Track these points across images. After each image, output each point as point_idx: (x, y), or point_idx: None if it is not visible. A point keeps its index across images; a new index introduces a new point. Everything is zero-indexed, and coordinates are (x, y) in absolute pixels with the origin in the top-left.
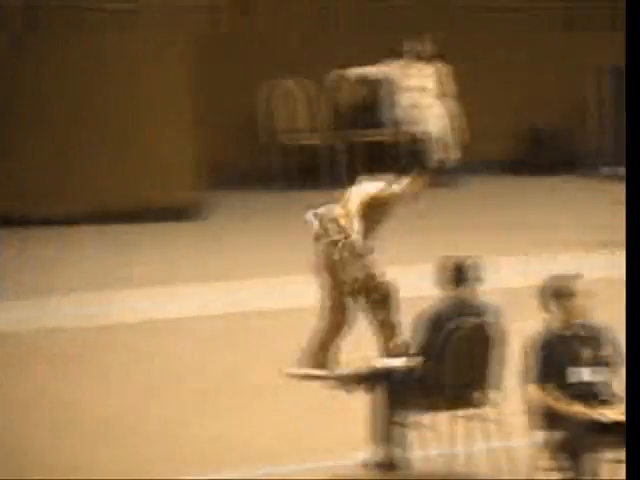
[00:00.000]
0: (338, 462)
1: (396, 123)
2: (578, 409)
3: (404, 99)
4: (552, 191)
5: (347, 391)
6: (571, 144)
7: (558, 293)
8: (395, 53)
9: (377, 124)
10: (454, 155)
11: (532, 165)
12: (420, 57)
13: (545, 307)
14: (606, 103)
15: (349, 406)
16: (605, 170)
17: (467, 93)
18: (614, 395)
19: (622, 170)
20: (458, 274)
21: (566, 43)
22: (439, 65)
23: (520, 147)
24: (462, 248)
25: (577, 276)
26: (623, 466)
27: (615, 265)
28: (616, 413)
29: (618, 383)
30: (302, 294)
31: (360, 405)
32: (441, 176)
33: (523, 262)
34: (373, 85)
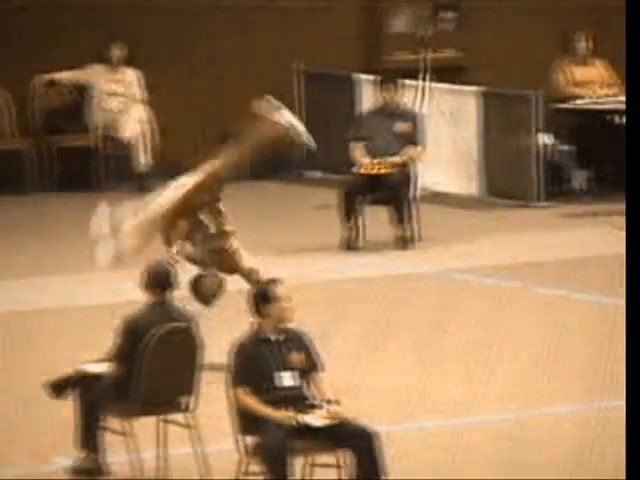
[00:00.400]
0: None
1: (101, 128)
2: (281, 414)
3: (108, 104)
4: (253, 194)
5: (52, 397)
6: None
7: (263, 297)
8: (101, 58)
9: (83, 129)
10: (152, 159)
11: None
12: (122, 62)
13: (252, 311)
14: (302, 106)
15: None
16: (312, 174)
17: (165, 98)
18: (320, 400)
19: (318, 174)
20: (159, 279)
21: (271, 43)
22: (137, 71)
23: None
24: (162, 254)
25: (279, 281)
26: (331, 470)
27: (310, 269)
28: (320, 417)
29: (314, 389)
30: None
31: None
32: (141, 181)
33: None
34: (79, 90)
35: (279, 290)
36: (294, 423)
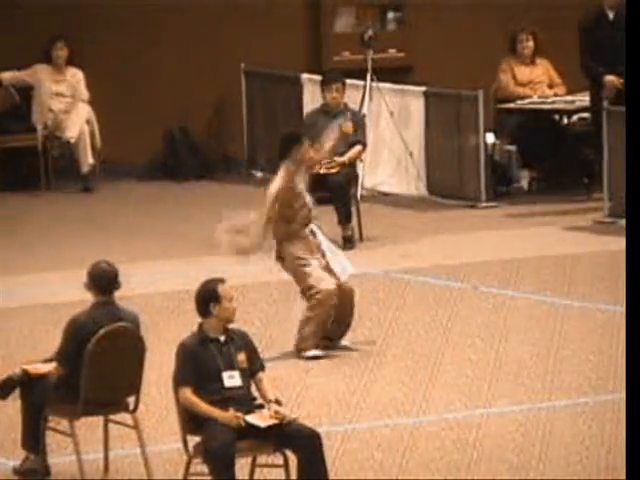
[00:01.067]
0: None
1: (45, 128)
2: (228, 414)
3: (53, 104)
4: (193, 195)
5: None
6: (215, 147)
7: (208, 297)
8: (46, 57)
9: (28, 129)
10: (95, 160)
11: (173, 168)
12: (66, 62)
13: (198, 311)
14: (242, 105)
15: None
16: (258, 174)
17: (106, 97)
18: (262, 400)
19: (260, 174)
20: (103, 280)
21: (215, 43)
22: (81, 71)
23: (158, 150)
24: (106, 254)
25: (223, 280)
26: (275, 470)
27: (253, 269)
28: (264, 417)
29: (256, 389)
30: None
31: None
32: (85, 181)
33: (169, 266)
34: (24, 90)
35: (224, 289)
36: (242, 423)
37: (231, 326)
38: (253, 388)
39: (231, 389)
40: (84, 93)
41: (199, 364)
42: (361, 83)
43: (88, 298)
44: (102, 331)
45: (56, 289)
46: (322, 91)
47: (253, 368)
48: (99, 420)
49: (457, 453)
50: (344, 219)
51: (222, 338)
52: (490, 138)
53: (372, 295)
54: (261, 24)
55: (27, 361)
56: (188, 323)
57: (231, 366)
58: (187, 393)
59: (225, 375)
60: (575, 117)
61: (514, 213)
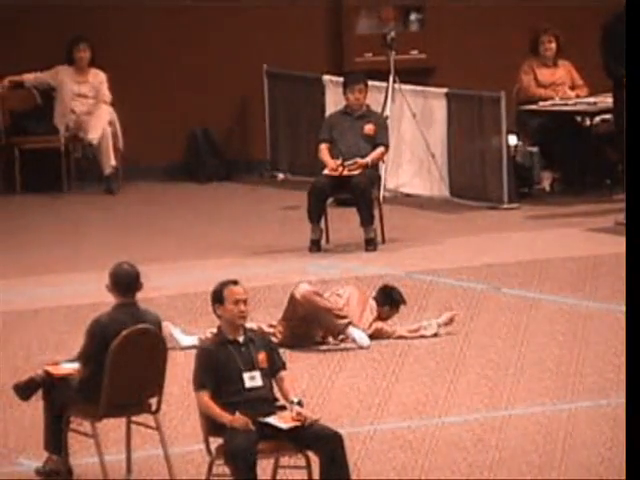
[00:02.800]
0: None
1: (67, 130)
2: (239, 418)
3: (75, 105)
4: (214, 197)
5: (22, 399)
6: (237, 148)
7: (213, 299)
8: (68, 59)
9: (50, 131)
10: (117, 162)
11: (196, 170)
12: (88, 63)
13: (215, 312)
14: (264, 107)
15: None
16: (277, 176)
17: (129, 98)
18: (283, 400)
19: (282, 176)
20: (125, 281)
21: (237, 44)
22: (101, 72)
23: (181, 152)
24: (127, 256)
25: (235, 282)
26: (296, 472)
27: (277, 270)
28: (286, 419)
29: (277, 389)
30: None
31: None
32: (107, 183)
33: (191, 268)
34: (47, 91)
35: (230, 291)
36: (252, 428)
37: (250, 326)
38: (275, 389)
39: (252, 390)
40: (106, 94)
41: (218, 366)
42: (383, 85)
43: (110, 300)
44: (124, 332)
45: (78, 290)
46: (344, 92)
47: (274, 367)
48: (121, 421)
49: (479, 454)
50: (366, 221)
51: (241, 339)
52: (512, 140)
53: None
54: (284, 25)
55: (50, 362)
56: (210, 325)
57: (252, 366)
58: (204, 397)
59: (246, 376)
60: (597, 118)
61: (536, 214)
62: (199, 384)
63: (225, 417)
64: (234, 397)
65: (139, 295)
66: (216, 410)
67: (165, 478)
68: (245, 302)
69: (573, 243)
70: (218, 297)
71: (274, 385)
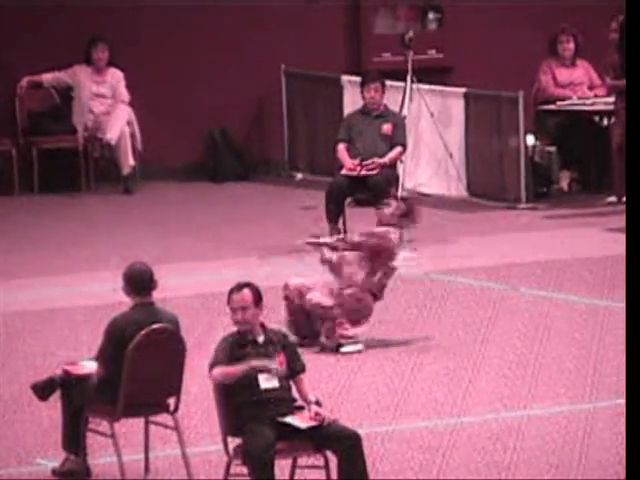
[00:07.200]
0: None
1: (86, 129)
2: (244, 365)
3: (93, 105)
4: (232, 197)
5: (40, 399)
6: (255, 148)
7: (228, 302)
8: (86, 59)
9: (68, 130)
10: (136, 162)
11: (214, 170)
12: (106, 63)
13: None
14: (282, 106)
15: None
16: (299, 176)
17: (147, 98)
18: (302, 401)
19: (300, 175)
20: (138, 281)
21: (255, 44)
22: (119, 71)
23: (199, 152)
24: (145, 255)
25: (247, 284)
26: (314, 472)
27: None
28: (304, 419)
29: (296, 390)
30: None
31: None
32: (126, 182)
33: (209, 268)
34: (65, 91)
35: (233, 298)
36: (255, 371)
37: (272, 326)
38: (294, 390)
39: (268, 391)
40: (124, 94)
41: (233, 360)
42: (401, 84)
43: (128, 300)
44: (142, 332)
45: (96, 290)
46: (361, 91)
47: (294, 369)
48: (140, 421)
49: (497, 454)
50: None
51: (260, 339)
52: (530, 139)
53: (412, 296)
54: (301, 25)
55: (68, 361)
56: (227, 325)
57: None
58: (216, 370)
59: (261, 377)
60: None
61: (554, 214)
62: (214, 362)
63: (237, 368)
64: (249, 397)
65: (156, 295)
66: (228, 369)
67: (183, 478)
68: (244, 309)
69: (591, 243)
70: (227, 301)
71: (292, 385)
